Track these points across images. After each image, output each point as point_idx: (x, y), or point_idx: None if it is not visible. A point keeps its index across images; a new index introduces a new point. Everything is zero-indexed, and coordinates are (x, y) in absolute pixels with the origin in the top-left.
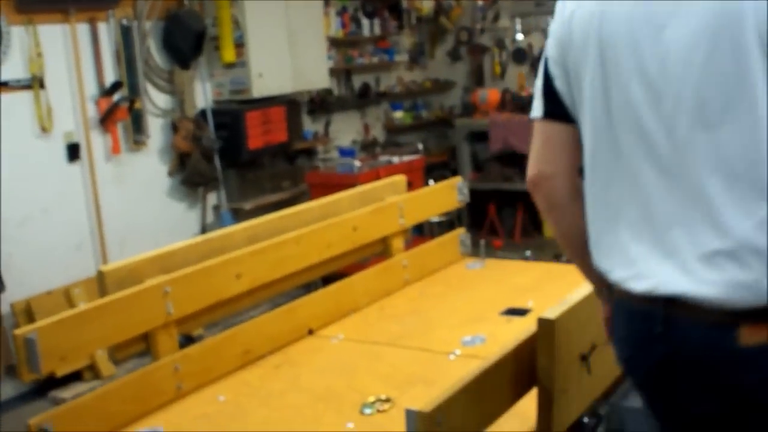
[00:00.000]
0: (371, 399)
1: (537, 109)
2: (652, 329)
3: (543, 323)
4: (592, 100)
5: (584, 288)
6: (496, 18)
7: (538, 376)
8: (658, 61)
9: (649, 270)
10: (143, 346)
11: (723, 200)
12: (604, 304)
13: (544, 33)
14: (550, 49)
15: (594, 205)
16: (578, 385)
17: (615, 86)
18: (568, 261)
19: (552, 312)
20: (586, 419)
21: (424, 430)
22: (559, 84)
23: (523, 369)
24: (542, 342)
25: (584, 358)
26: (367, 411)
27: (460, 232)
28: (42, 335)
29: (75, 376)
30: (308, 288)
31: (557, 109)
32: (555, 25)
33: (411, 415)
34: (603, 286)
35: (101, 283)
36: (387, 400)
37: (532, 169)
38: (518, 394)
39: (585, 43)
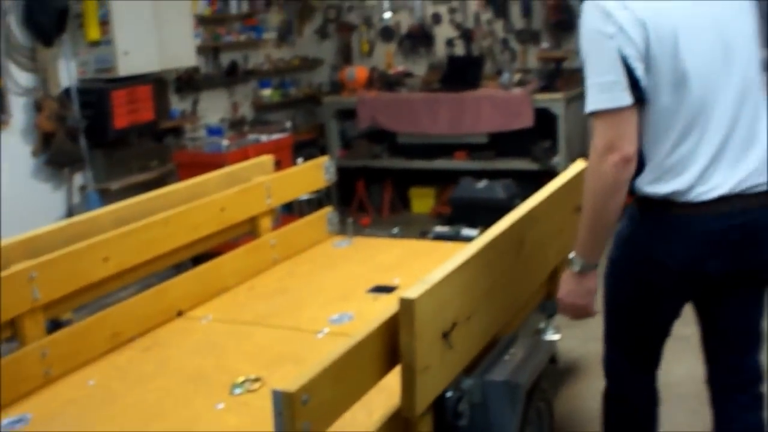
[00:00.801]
0: (241, 379)
1: (623, 98)
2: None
3: (404, 303)
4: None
5: (446, 266)
6: None
7: (401, 354)
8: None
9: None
10: (9, 333)
11: None
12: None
13: (411, 11)
14: (629, 48)
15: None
16: (440, 362)
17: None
18: (592, 229)
19: (412, 291)
20: (449, 394)
21: (290, 410)
22: (640, 74)
23: (387, 347)
24: (404, 321)
25: (445, 336)
26: (237, 391)
27: (328, 211)
28: None
29: None
30: (178, 269)
31: (641, 96)
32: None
33: (277, 396)
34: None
35: None
36: (257, 380)
37: (627, 149)
38: (383, 371)
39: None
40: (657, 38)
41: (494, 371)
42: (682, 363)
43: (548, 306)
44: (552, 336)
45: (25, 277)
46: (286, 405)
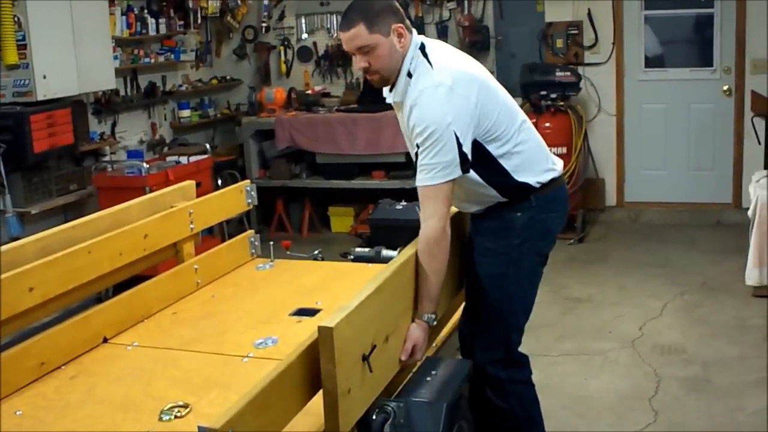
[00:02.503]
0: (169, 405)
1: (451, 173)
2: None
3: (322, 331)
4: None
5: (362, 292)
6: (282, 17)
7: (322, 380)
8: None
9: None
10: None
11: None
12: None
13: (328, 32)
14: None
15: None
16: (361, 384)
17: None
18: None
19: (330, 320)
20: (374, 416)
21: None
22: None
23: (309, 372)
24: (323, 348)
25: (365, 359)
26: (166, 418)
27: (250, 234)
28: None
29: None
30: (99, 296)
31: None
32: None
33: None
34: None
35: None
36: (185, 406)
37: (441, 226)
38: (307, 396)
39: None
40: None
41: (417, 392)
42: (600, 377)
43: None
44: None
45: None
46: None
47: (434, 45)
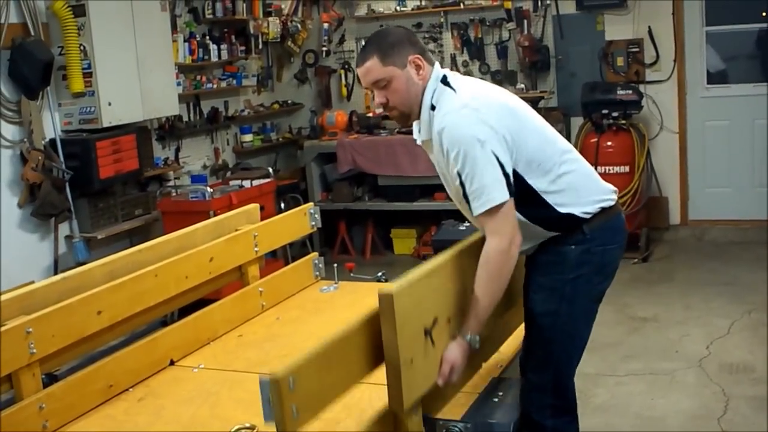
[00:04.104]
0: (236, 427)
1: (501, 194)
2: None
3: (383, 297)
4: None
5: (426, 266)
6: (342, 41)
7: (384, 349)
8: None
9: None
10: (6, 387)
11: None
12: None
13: None
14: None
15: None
16: (424, 356)
17: None
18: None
19: (392, 286)
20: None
21: (277, 395)
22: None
23: (371, 342)
24: (384, 315)
25: (427, 333)
26: None
27: (314, 257)
28: None
29: None
30: (164, 319)
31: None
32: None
33: (264, 383)
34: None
35: None
36: (251, 428)
37: (504, 247)
38: (369, 365)
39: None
40: None
41: (483, 412)
42: (667, 397)
43: None
44: None
45: (22, 333)
46: (273, 390)
47: (458, 76)
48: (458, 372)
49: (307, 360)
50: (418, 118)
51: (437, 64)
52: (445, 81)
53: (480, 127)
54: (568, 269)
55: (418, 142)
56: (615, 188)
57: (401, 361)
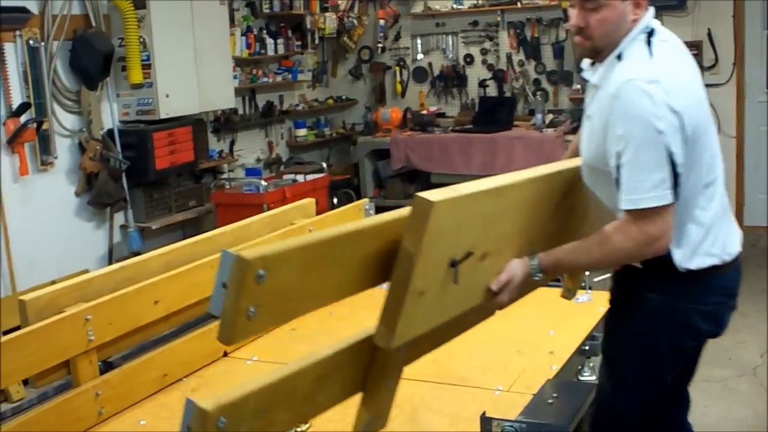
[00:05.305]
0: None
1: (662, 197)
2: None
3: (420, 203)
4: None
5: (479, 184)
6: (397, 38)
7: (395, 265)
8: None
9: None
10: (64, 373)
11: None
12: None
13: (444, 52)
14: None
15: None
16: (438, 293)
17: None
18: (588, 267)
19: (434, 194)
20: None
21: (236, 283)
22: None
23: (381, 251)
24: (412, 225)
25: (454, 265)
26: None
27: None
28: None
29: None
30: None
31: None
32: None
33: (227, 257)
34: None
35: (22, 313)
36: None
37: (662, 245)
38: (368, 279)
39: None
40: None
41: (539, 414)
42: (720, 405)
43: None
44: (589, 378)
45: (81, 320)
46: (234, 274)
47: (666, 37)
48: (510, 292)
49: (289, 248)
50: (603, 58)
51: (651, 11)
52: (650, 36)
53: (663, 114)
54: (641, 320)
55: (587, 78)
56: (741, 233)
57: (409, 289)
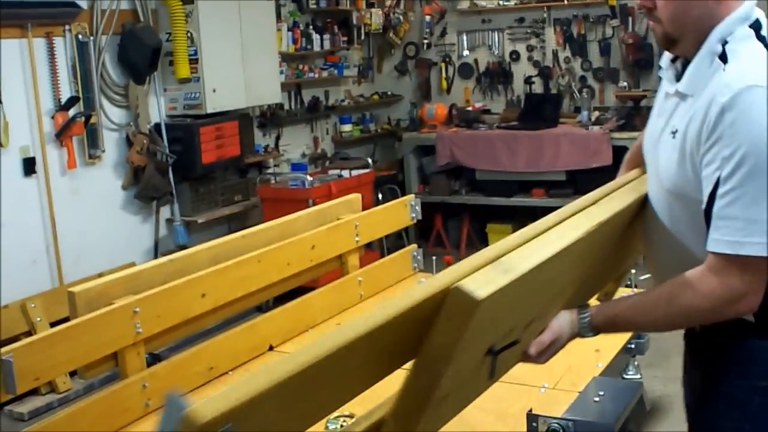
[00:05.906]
0: (334, 415)
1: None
2: None
3: (462, 298)
4: None
5: (531, 257)
6: (443, 34)
7: (415, 369)
8: None
9: None
10: (112, 365)
11: None
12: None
13: (490, 49)
14: None
15: None
16: (460, 389)
17: None
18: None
19: (477, 284)
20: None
21: None
22: None
23: (407, 338)
24: (446, 325)
25: (494, 353)
26: (332, 426)
27: (413, 249)
28: (18, 356)
29: (30, 390)
30: (260, 306)
31: None
32: None
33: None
34: None
35: (72, 304)
36: (350, 416)
37: (752, 306)
38: (384, 369)
39: None
40: None
41: (585, 412)
42: None
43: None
44: (634, 376)
45: (129, 312)
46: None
47: None
48: (550, 354)
49: (263, 389)
50: (685, 52)
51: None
52: (757, 28)
53: None
54: (759, 373)
55: (664, 77)
56: None
57: (433, 397)
